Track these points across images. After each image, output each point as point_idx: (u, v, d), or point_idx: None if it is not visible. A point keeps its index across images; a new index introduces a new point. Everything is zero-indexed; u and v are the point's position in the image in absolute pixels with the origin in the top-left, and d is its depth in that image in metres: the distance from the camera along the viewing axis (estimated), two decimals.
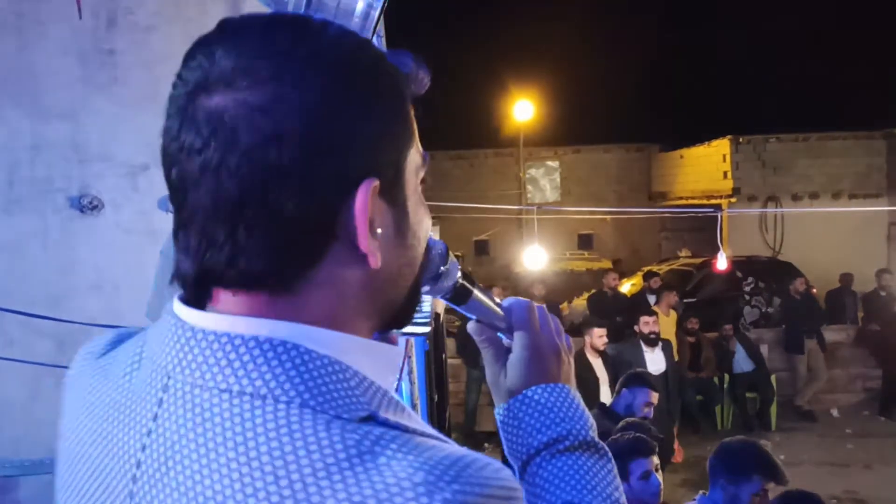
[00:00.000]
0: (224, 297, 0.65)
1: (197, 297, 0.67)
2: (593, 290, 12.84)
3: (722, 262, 9.92)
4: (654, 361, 8.18)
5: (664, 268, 15.02)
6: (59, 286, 5.22)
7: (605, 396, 7.06)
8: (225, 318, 0.64)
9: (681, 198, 20.74)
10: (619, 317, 10.58)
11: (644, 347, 8.28)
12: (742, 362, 10.67)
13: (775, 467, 3.52)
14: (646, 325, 8.33)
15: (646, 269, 15.00)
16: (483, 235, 23.70)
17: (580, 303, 13.54)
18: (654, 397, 5.36)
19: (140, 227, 5.48)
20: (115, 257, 5.38)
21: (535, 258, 11.50)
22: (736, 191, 18.27)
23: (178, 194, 0.67)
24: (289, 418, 0.58)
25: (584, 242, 23.65)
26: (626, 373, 5.66)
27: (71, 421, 0.74)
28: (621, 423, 4.50)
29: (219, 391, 0.60)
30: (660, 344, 8.39)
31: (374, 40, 2.82)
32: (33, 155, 5.28)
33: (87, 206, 5.56)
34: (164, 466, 0.59)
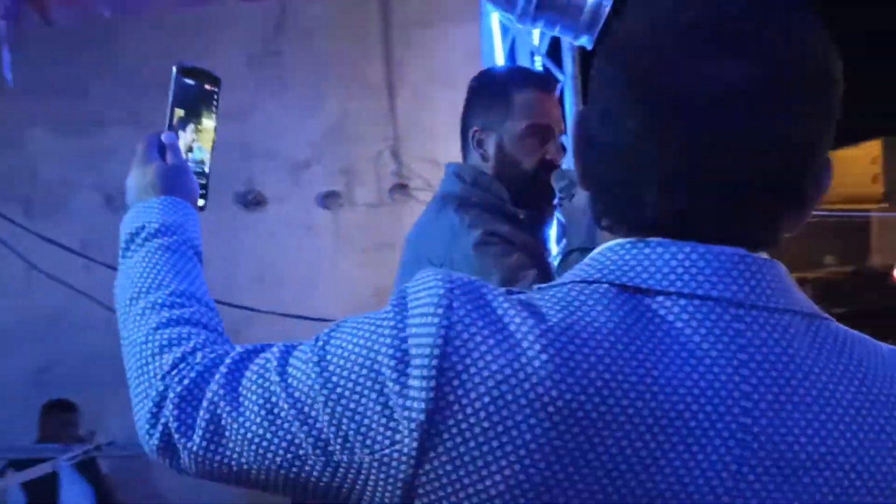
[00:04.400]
0: None
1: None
2: None
3: None
4: None
5: (809, 276, 14.36)
6: (224, 277, 5.49)
7: None
8: None
9: (825, 204, 19.75)
10: None
11: None
12: None
13: None
14: None
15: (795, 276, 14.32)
16: None
17: None
18: None
19: (300, 220, 5.71)
20: (277, 250, 5.63)
21: None
22: (888, 196, 17.27)
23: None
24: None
25: None
26: None
27: None
28: None
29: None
30: None
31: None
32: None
33: (251, 201, 5.84)
34: None
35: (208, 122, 1.06)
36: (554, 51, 2.90)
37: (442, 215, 1.64)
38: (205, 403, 0.73)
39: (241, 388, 0.72)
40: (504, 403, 0.61)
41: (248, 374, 0.72)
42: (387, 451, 0.64)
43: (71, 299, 5.16)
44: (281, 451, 0.69)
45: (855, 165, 18.46)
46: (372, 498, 0.66)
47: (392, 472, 0.64)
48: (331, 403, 0.66)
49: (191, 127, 1.05)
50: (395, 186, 5.92)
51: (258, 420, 0.70)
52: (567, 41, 2.82)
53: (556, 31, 2.08)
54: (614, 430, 0.60)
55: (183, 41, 5.72)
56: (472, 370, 0.62)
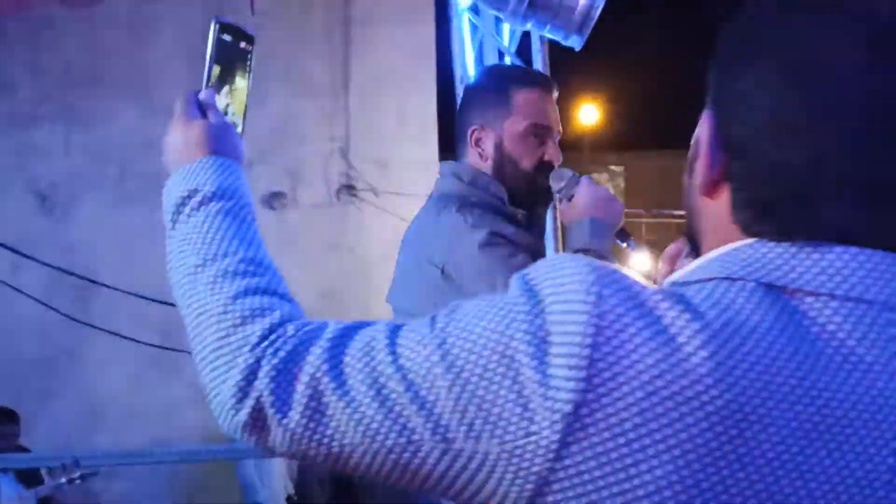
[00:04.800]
0: None
1: None
2: None
3: None
4: None
5: None
6: (166, 278, 5.33)
7: None
8: None
9: None
10: None
11: None
12: None
13: None
14: None
15: None
16: None
17: None
18: None
19: None
20: None
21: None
22: None
23: None
24: None
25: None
26: None
27: None
28: None
29: None
30: None
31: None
32: (145, 150, 5.41)
33: None
34: None
35: (242, 83, 1.00)
36: (524, 50, 2.88)
37: (443, 215, 1.59)
38: (304, 378, 0.68)
39: (345, 366, 0.67)
40: (659, 399, 0.58)
41: (351, 351, 0.68)
42: (520, 441, 0.60)
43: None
44: (393, 435, 0.64)
45: None
46: (495, 490, 0.62)
47: (525, 464, 0.60)
48: (455, 389, 0.62)
49: (225, 90, 0.99)
50: (342, 188, 5.84)
51: (366, 401, 0.65)
52: (536, 41, 2.81)
53: (546, 31, 2.05)
54: (772, 433, 0.57)
55: (116, 36, 5.55)
56: (625, 362, 0.58)
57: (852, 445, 0.58)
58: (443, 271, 1.52)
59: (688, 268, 0.68)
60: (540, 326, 0.61)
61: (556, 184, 1.63)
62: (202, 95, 0.95)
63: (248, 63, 1.01)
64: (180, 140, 0.91)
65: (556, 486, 0.59)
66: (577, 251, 1.55)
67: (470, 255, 1.51)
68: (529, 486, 0.60)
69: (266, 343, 0.71)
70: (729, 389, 0.57)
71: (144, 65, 5.57)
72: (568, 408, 0.58)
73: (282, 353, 0.69)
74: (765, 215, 0.64)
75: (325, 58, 5.85)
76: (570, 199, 1.62)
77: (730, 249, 0.65)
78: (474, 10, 2.96)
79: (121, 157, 5.45)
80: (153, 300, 4.68)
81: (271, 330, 0.72)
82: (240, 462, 4.72)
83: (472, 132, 1.67)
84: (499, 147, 1.65)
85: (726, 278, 0.63)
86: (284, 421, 0.68)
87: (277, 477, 4.81)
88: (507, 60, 2.86)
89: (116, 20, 5.52)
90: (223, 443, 5.09)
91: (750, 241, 0.64)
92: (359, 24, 5.79)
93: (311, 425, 0.67)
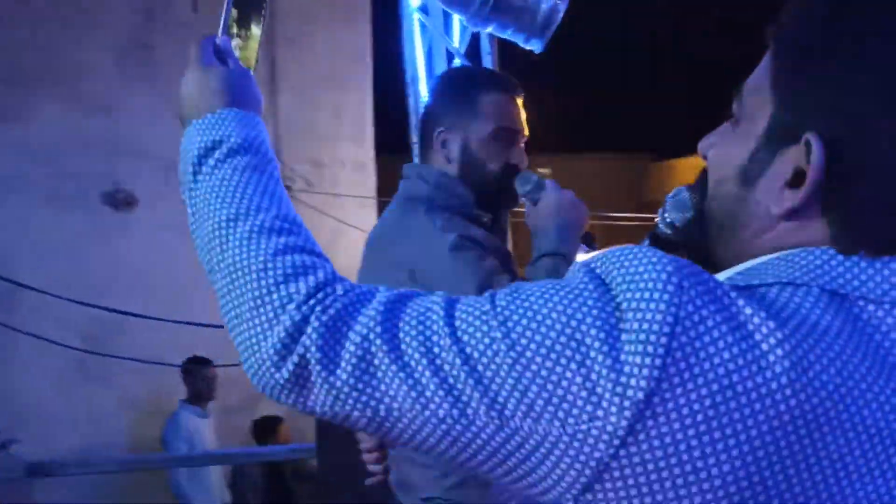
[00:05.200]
0: None
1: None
2: None
3: None
4: None
5: None
6: (94, 279, 5.16)
7: None
8: None
9: None
10: None
11: None
12: None
13: None
14: None
15: None
16: None
17: None
18: None
19: (175, 222, 5.44)
20: (149, 253, 5.34)
21: None
22: None
23: None
24: None
25: None
26: None
27: None
28: None
29: None
30: None
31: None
32: (72, 149, 5.23)
33: (121, 201, 5.51)
34: None
35: (256, 30, 0.96)
36: (473, 53, 2.88)
37: (410, 218, 1.57)
38: (355, 338, 0.66)
39: (399, 331, 0.66)
40: (733, 395, 0.57)
41: (406, 317, 0.67)
42: (583, 426, 0.59)
43: None
44: (446, 406, 0.63)
45: (698, 172, 19.61)
46: (549, 474, 0.61)
47: (587, 449, 0.59)
48: (518, 367, 0.61)
49: (236, 42, 0.95)
50: None
51: (419, 368, 0.64)
52: (486, 43, 2.81)
53: (508, 35, 2.04)
54: (838, 436, 0.57)
55: (46, 34, 5.35)
56: (702, 354, 0.57)
57: None
58: (411, 275, 1.51)
59: (735, 269, 0.68)
60: (611, 312, 0.60)
61: (521, 187, 1.63)
62: (219, 41, 0.90)
63: (264, 11, 0.96)
64: (196, 89, 0.87)
65: (615, 474, 0.58)
66: (545, 255, 1.55)
67: (440, 259, 1.49)
68: (587, 473, 0.59)
69: (314, 301, 0.69)
70: (803, 390, 0.57)
71: (73, 61, 5.38)
72: (640, 395, 0.57)
73: (331, 311, 0.68)
74: (865, 236, 0.64)
75: None
76: (535, 203, 1.62)
77: (788, 254, 0.65)
78: (423, 10, 2.95)
79: (45, 157, 5.25)
80: (81, 303, 4.51)
81: (318, 288, 0.70)
82: (172, 471, 4.59)
83: (439, 135, 1.65)
84: (465, 150, 1.63)
85: (788, 283, 0.62)
86: (331, 379, 0.66)
87: (213, 486, 4.69)
88: (457, 62, 2.85)
89: (42, 14, 5.32)
90: (150, 450, 4.97)
91: (813, 248, 0.64)
92: (293, 22, 5.70)
93: (360, 385, 0.66)
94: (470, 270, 1.47)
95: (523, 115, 1.68)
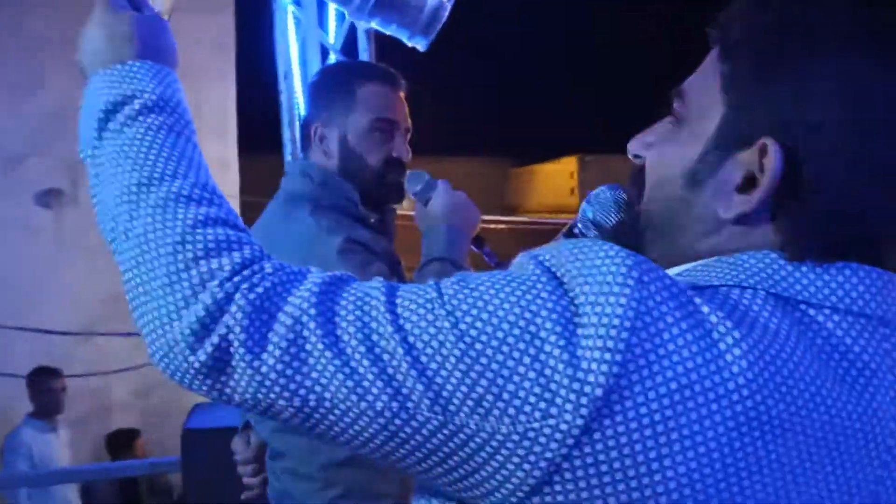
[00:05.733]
0: None
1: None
2: None
3: None
4: None
5: None
6: None
7: None
8: None
9: (531, 213, 21.42)
10: None
11: None
12: None
13: None
14: None
15: None
16: None
17: None
18: None
19: (16, 221, 5.06)
20: None
21: None
22: None
23: None
24: None
25: None
26: None
27: None
28: None
29: None
30: None
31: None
32: None
33: None
34: None
35: None
36: (350, 50, 2.78)
37: (293, 218, 1.49)
38: (286, 320, 0.61)
39: (335, 316, 0.61)
40: (691, 394, 0.55)
41: (343, 301, 0.62)
42: (535, 423, 0.56)
43: None
44: (385, 397, 0.59)
45: (557, 178, 20.27)
46: (495, 473, 0.57)
47: (537, 448, 0.56)
48: (467, 360, 0.57)
49: None
50: None
51: (357, 356, 0.60)
52: (363, 39, 2.72)
53: (391, 30, 1.98)
54: (789, 438, 0.57)
55: None
56: (662, 352, 0.56)
57: (850, 455, 0.59)
58: None
59: (673, 270, 0.66)
60: (566, 306, 0.57)
61: (412, 187, 1.57)
62: None
63: None
64: (103, 35, 0.78)
65: (567, 475, 0.55)
66: (434, 260, 1.50)
67: (326, 262, 1.41)
68: (536, 474, 0.56)
69: (239, 278, 0.64)
70: (759, 391, 0.56)
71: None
72: (598, 392, 0.54)
73: (259, 290, 0.63)
74: (814, 244, 0.63)
75: None
76: (425, 204, 1.56)
77: (733, 258, 0.64)
78: (297, 2, 2.83)
79: None
80: None
81: (244, 265, 0.65)
82: (11, 491, 4.25)
83: (315, 129, 1.59)
84: (343, 144, 1.57)
85: (736, 286, 0.61)
86: (256, 363, 0.61)
87: None
88: (332, 58, 2.76)
89: None
90: None
91: (758, 252, 0.63)
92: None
93: (289, 372, 0.61)
94: (356, 276, 1.39)
95: (405, 108, 1.63)
